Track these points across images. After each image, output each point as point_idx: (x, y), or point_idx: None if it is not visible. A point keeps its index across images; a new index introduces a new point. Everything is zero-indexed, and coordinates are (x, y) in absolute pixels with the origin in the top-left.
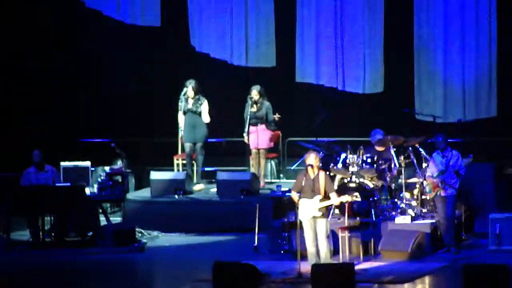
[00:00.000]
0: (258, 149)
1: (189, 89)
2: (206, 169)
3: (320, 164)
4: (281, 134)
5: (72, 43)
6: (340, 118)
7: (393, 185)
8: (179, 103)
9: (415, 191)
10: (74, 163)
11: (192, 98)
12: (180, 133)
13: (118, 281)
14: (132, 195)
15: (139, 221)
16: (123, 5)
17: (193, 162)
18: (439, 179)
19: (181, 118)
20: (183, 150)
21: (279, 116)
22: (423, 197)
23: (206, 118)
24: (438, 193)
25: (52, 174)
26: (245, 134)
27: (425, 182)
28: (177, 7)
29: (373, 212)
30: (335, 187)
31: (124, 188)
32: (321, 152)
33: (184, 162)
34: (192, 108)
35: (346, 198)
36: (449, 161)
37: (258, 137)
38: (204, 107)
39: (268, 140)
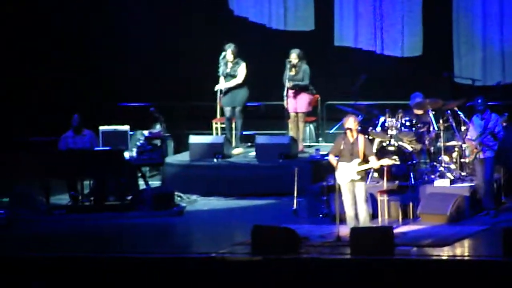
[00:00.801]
0: (297, 113)
1: (228, 52)
2: (245, 133)
3: (359, 128)
4: (319, 98)
5: (110, 9)
6: (379, 82)
7: (432, 149)
8: (219, 67)
9: (454, 154)
10: (113, 127)
11: (231, 62)
12: (219, 97)
13: (157, 245)
14: (171, 159)
15: (178, 185)
16: None
17: (232, 126)
18: (477, 141)
19: (221, 82)
20: (222, 114)
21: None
22: (462, 160)
23: (239, 79)
24: (477, 155)
25: (90, 138)
26: (284, 98)
27: (464, 145)
28: None
29: (412, 176)
30: (374, 151)
31: (163, 152)
32: (360, 116)
33: (223, 126)
34: (231, 72)
35: (386, 161)
36: (488, 123)
37: (296, 100)
38: (241, 69)
39: (307, 104)
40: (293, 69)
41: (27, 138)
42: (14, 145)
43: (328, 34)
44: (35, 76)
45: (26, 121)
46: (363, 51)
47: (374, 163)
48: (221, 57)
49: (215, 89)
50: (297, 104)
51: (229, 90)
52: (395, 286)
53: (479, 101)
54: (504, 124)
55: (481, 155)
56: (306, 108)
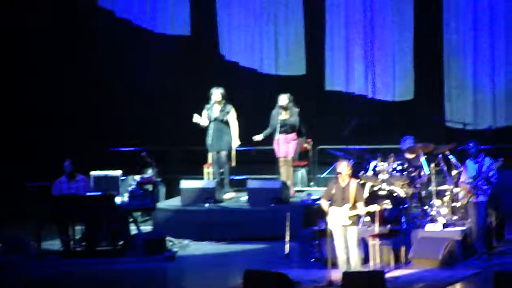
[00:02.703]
0: (286, 157)
1: (215, 93)
2: (236, 177)
3: (351, 173)
4: (311, 142)
5: (103, 52)
6: (370, 126)
7: (423, 193)
8: (205, 110)
9: (446, 198)
10: (104, 172)
11: (218, 104)
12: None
13: None
14: (163, 204)
15: (170, 230)
16: (153, 14)
17: (221, 170)
18: (471, 185)
19: (197, 117)
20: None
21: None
22: (454, 204)
23: (234, 127)
24: (470, 199)
25: (84, 184)
26: (274, 142)
27: (456, 189)
28: (206, 16)
29: (403, 220)
30: (366, 195)
31: (155, 197)
32: (351, 160)
33: None
34: (219, 117)
35: (374, 207)
36: (482, 167)
37: (287, 145)
38: (232, 115)
39: (297, 148)
40: (284, 112)
41: (20, 183)
42: (7, 190)
43: (319, 79)
44: (26, 121)
45: (18, 166)
46: (354, 95)
47: (361, 209)
48: (212, 102)
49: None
50: (288, 148)
51: (216, 134)
52: None
53: (471, 144)
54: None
55: (474, 199)
56: (296, 153)
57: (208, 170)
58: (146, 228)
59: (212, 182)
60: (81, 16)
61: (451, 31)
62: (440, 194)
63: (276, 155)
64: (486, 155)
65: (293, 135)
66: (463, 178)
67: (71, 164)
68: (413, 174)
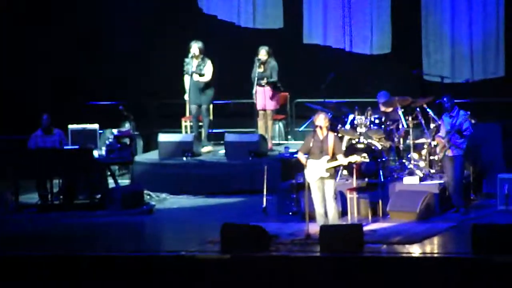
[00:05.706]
0: (265, 110)
1: (194, 47)
2: (214, 131)
3: (329, 125)
4: (288, 96)
5: (81, 5)
6: (348, 79)
7: (401, 146)
8: (185, 66)
9: (423, 152)
10: (82, 126)
11: (196, 59)
12: (187, 95)
13: (127, 243)
14: (140, 157)
15: (147, 184)
16: None
17: (200, 124)
18: (446, 139)
19: (187, 80)
20: (190, 112)
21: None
22: (431, 157)
23: (207, 77)
24: (446, 153)
25: (60, 138)
26: (253, 95)
27: (433, 142)
28: None
29: (381, 173)
30: (343, 148)
31: (132, 150)
32: (329, 113)
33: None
34: (197, 70)
35: (354, 158)
36: (455, 121)
37: (265, 98)
38: (208, 67)
39: (275, 102)
40: (262, 66)
41: None
42: None
43: (297, 32)
44: (2, 74)
45: None
46: (332, 48)
47: (342, 160)
48: (190, 55)
49: (186, 88)
50: (265, 101)
51: (195, 88)
52: (365, 283)
53: (445, 99)
54: (473, 121)
55: (449, 153)
56: (275, 106)
57: (186, 123)
58: (124, 181)
59: (190, 135)
60: None
61: None
62: (417, 148)
63: (256, 107)
64: (460, 109)
65: (270, 88)
66: (440, 132)
67: (48, 117)
68: (390, 128)
